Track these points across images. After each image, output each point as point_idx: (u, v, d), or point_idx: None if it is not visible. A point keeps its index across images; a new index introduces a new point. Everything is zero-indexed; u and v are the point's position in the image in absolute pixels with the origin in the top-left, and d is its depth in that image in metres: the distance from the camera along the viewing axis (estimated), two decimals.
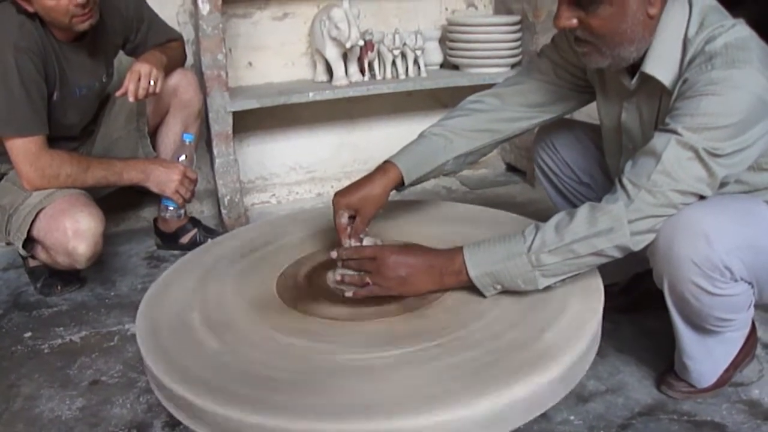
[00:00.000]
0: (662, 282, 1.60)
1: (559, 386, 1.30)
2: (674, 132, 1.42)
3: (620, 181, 1.47)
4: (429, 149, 1.85)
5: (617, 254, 1.48)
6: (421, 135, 1.89)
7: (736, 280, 1.52)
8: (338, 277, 1.61)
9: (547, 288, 1.50)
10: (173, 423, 1.79)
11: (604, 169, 2.07)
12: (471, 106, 1.93)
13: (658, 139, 1.45)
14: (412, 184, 1.83)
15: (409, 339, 1.38)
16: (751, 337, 1.85)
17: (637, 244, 1.47)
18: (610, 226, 1.44)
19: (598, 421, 1.76)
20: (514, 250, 1.47)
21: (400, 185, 1.81)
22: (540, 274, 1.46)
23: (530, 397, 1.23)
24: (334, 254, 1.64)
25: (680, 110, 1.45)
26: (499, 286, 1.49)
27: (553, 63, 1.90)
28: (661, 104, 1.64)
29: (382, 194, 1.76)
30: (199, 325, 1.49)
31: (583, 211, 1.47)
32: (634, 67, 1.65)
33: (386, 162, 1.80)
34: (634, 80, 1.66)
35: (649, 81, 1.62)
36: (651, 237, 1.49)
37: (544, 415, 1.73)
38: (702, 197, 1.47)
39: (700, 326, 1.68)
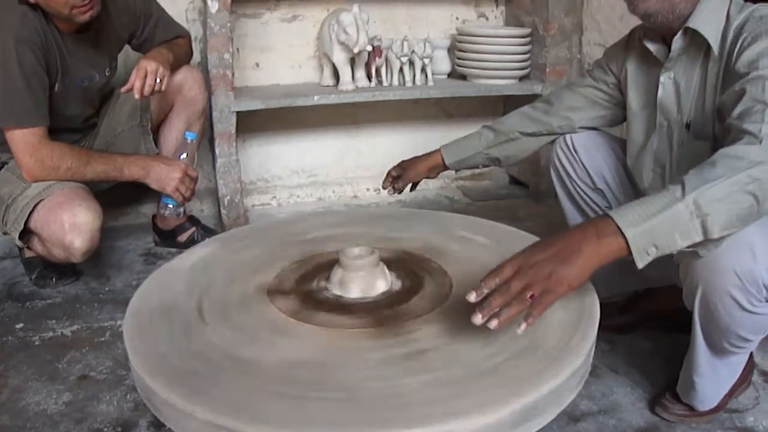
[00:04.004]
0: (695, 292, 1.56)
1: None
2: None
3: (738, 130, 1.41)
4: (471, 138, 2.25)
5: None
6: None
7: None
8: (495, 324, 1.22)
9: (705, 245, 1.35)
10: (159, 423, 1.77)
11: (620, 178, 2.07)
12: (522, 109, 2.22)
13: (755, 87, 1.46)
14: (460, 167, 2.29)
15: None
16: (748, 363, 1.83)
17: None
18: (761, 159, 1.32)
19: None
20: (665, 200, 1.31)
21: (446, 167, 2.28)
22: (699, 222, 1.30)
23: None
24: (473, 297, 1.26)
25: (754, 54, 1.50)
26: (653, 249, 1.30)
27: (595, 79, 2.09)
28: (706, 69, 1.68)
29: (423, 167, 2.27)
30: (189, 323, 1.45)
31: (717, 156, 1.36)
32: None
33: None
34: (677, 36, 1.69)
35: (690, 47, 1.69)
36: None
37: None
38: None
39: (716, 344, 1.65)
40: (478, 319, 1.22)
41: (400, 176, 2.29)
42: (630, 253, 1.28)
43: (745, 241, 1.43)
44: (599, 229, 1.30)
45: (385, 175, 2.31)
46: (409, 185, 2.33)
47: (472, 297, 1.25)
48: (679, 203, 1.28)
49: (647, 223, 1.28)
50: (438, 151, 2.28)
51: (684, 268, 1.56)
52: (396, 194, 2.32)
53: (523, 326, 1.22)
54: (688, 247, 1.31)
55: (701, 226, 1.29)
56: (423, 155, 2.30)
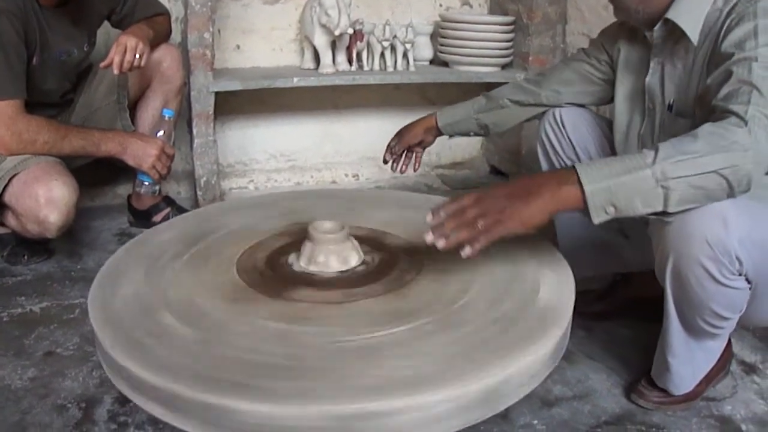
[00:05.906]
0: (666, 264, 1.53)
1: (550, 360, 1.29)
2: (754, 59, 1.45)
3: (723, 110, 1.42)
4: (465, 104, 2.30)
5: (747, 177, 1.35)
6: None
7: (741, 274, 1.48)
8: (442, 244, 1.34)
9: (665, 215, 1.38)
10: (123, 399, 1.74)
11: (605, 156, 2.06)
12: (518, 81, 2.30)
13: (741, 69, 1.46)
14: (453, 131, 2.31)
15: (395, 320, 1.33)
16: (726, 352, 1.82)
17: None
18: (747, 145, 1.34)
19: (562, 427, 1.72)
20: (634, 163, 1.33)
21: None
22: (663, 193, 1.33)
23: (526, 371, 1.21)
24: (429, 218, 1.39)
25: (741, 35, 1.51)
26: (612, 209, 1.34)
27: (588, 55, 2.11)
28: (693, 56, 1.69)
29: (418, 129, 2.31)
30: (155, 304, 1.41)
31: (701, 130, 1.37)
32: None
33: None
34: (657, 27, 1.71)
35: (672, 35, 1.71)
36: None
37: (506, 418, 1.70)
38: None
39: (690, 323, 1.63)
40: (429, 237, 1.36)
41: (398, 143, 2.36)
42: (587, 207, 1.32)
43: (717, 210, 1.41)
44: (561, 177, 1.36)
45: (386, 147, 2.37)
46: (412, 167, 2.40)
47: (429, 218, 1.39)
48: (647, 169, 1.31)
49: (609, 182, 1.32)
50: (433, 114, 2.32)
51: (656, 239, 1.55)
52: (399, 173, 2.40)
53: (467, 250, 1.33)
54: (649, 214, 1.36)
55: (663, 196, 1.32)
56: (418, 119, 2.34)
